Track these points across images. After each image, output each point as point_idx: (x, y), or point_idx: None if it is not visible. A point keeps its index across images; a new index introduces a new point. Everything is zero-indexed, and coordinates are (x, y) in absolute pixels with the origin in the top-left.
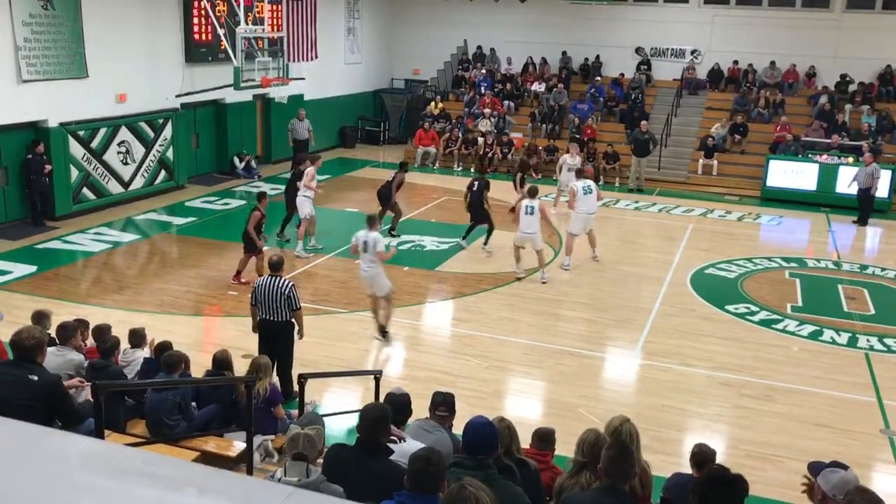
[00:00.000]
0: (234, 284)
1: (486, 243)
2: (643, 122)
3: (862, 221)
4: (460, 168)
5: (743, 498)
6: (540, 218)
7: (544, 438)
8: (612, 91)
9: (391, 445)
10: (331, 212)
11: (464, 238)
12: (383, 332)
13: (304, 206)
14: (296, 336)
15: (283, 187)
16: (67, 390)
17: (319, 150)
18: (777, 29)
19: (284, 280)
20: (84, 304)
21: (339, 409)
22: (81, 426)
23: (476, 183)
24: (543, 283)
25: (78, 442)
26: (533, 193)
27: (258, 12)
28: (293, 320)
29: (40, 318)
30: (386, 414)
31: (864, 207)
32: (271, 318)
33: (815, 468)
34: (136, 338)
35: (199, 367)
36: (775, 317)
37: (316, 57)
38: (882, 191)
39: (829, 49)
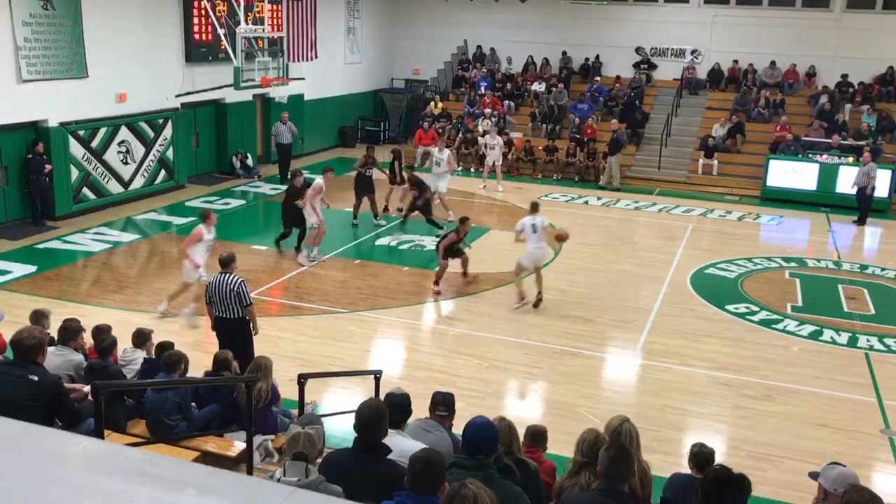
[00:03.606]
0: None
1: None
2: (613, 121)
3: (860, 221)
4: (460, 168)
5: (747, 498)
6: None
7: (536, 437)
8: (615, 92)
9: (387, 443)
10: (331, 212)
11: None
12: (539, 299)
13: (310, 216)
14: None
15: (283, 188)
16: (67, 391)
17: (319, 150)
18: (777, 29)
19: (235, 276)
20: (84, 304)
21: (339, 409)
22: (81, 426)
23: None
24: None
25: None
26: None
27: (258, 12)
28: (247, 317)
29: (39, 317)
30: (382, 413)
31: (862, 207)
32: (225, 316)
33: (814, 475)
34: (141, 338)
35: (199, 367)
36: (775, 317)
37: (316, 57)
38: (882, 191)
39: (829, 49)
